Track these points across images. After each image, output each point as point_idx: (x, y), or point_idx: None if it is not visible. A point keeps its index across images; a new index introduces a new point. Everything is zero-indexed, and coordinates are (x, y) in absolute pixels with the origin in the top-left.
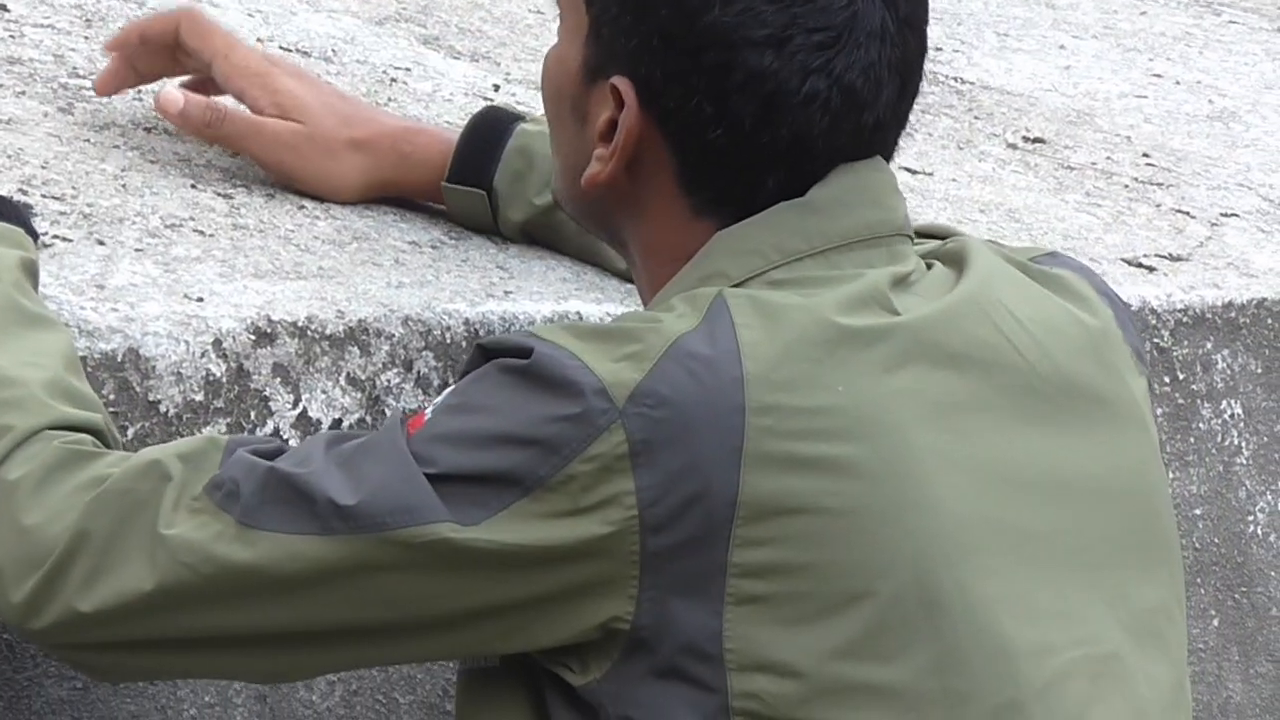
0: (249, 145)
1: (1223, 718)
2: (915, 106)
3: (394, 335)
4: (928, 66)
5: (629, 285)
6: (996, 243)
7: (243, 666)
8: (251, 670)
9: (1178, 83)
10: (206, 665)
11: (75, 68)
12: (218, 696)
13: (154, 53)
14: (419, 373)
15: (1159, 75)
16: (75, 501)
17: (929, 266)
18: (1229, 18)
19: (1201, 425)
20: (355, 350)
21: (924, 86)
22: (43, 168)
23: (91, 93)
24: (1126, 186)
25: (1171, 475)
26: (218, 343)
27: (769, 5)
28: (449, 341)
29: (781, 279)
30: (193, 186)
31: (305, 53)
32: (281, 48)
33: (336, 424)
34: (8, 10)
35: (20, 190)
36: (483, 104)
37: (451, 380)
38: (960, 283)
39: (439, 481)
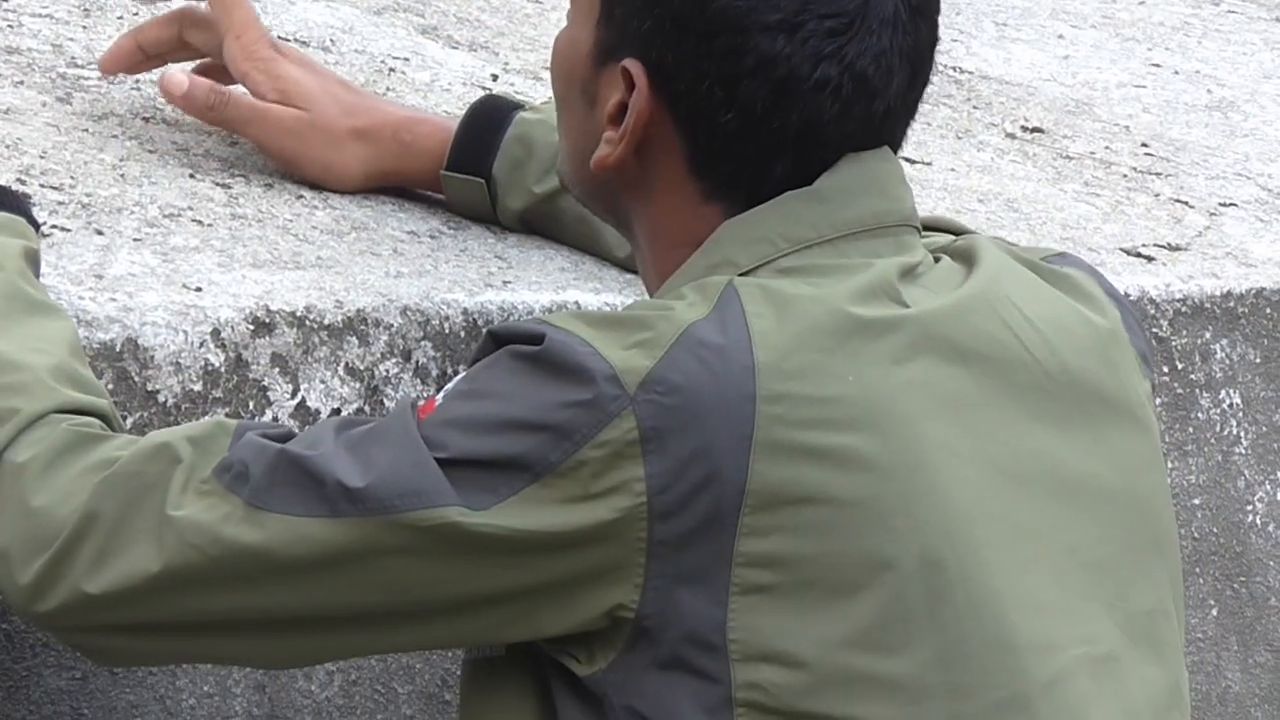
0: (251, 130)
1: (1221, 707)
2: None
3: (392, 325)
4: None
5: (628, 275)
6: (1006, 241)
7: (248, 651)
8: (257, 655)
9: (1176, 72)
10: (212, 649)
11: (73, 57)
12: (216, 686)
13: (162, 28)
14: (417, 362)
15: (1158, 65)
16: (83, 483)
17: (937, 260)
18: (1227, 7)
19: (1200, 415)
20: (354, 340)
21: None
22: (41, 157)
23: (90, 82)
24: (1125, 176)
25: (1170, 465)
26: (216, 332)
27: None
28: (447, 331)
29: (789, 267)
30: (191, 176)
31: (304, 42)
32: (280, 37)
33: (335, 414)
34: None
35: (19, 180)
36: (481, 94)
37: (450, 370)
38: (970, 278)
39: (449, 466)
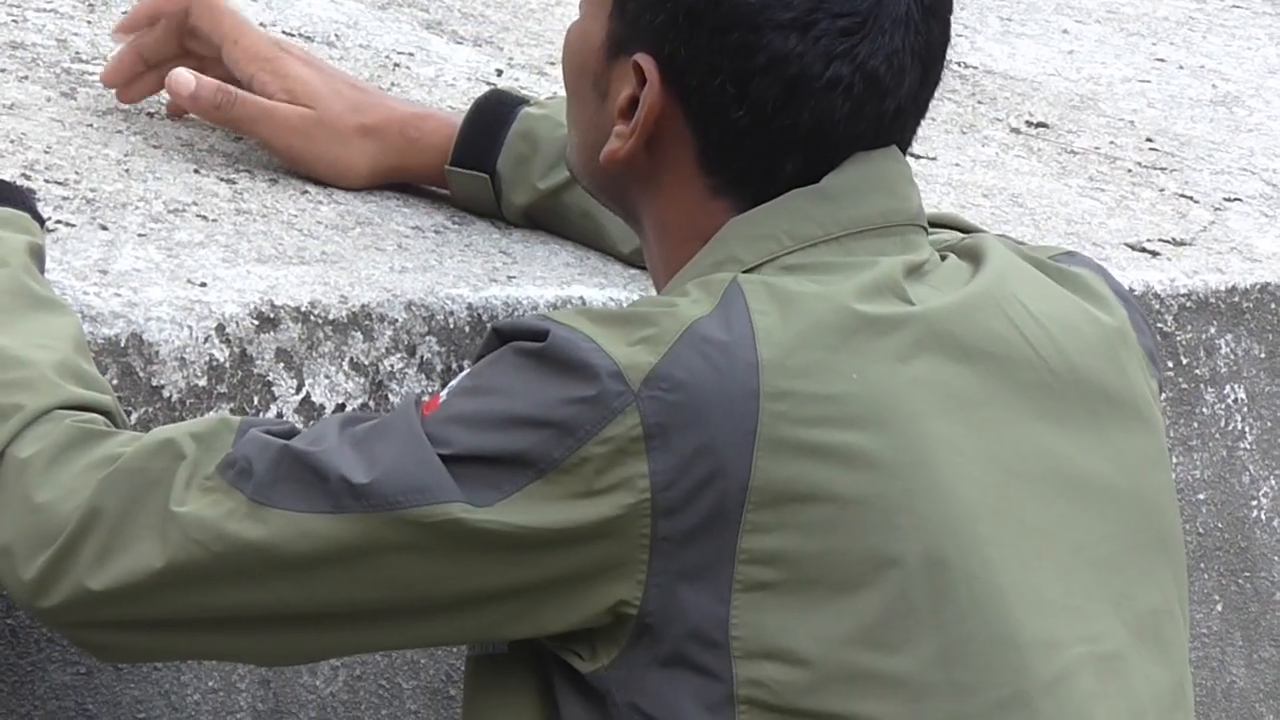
0: (259, 129)
1: (1226, 703)
2: None
3: (397, 320)
4: None
5: (632, 270)
6: (1014, 240)
7: (251, 647)
8: (260, 651)
9: (1181, 67)
10: (214, 646)
11: (78, 52)
12: (221, 681)
13: (163, 38)
14: (422, 358)
15: (1162, 60)
16: (87, 479)
17: (943, 258)
18: (1232, 2)
19: (1205, 410)
20: (358, 335)
21: None
22: (46, 153)
23: (94, 77)
24: (1130, 171)
25: (1175, 460)
26: (221, 328)
27: None
28: (452, 326)
29: (795, 264)
30: (196, 171)
31: (308, 37)
32: (284, 32)
33: (340, 409)
34: None
35: (23, 175)
36: (486, 89)
37: (455, 365)
38: (976, 276)
39: (453, 462)
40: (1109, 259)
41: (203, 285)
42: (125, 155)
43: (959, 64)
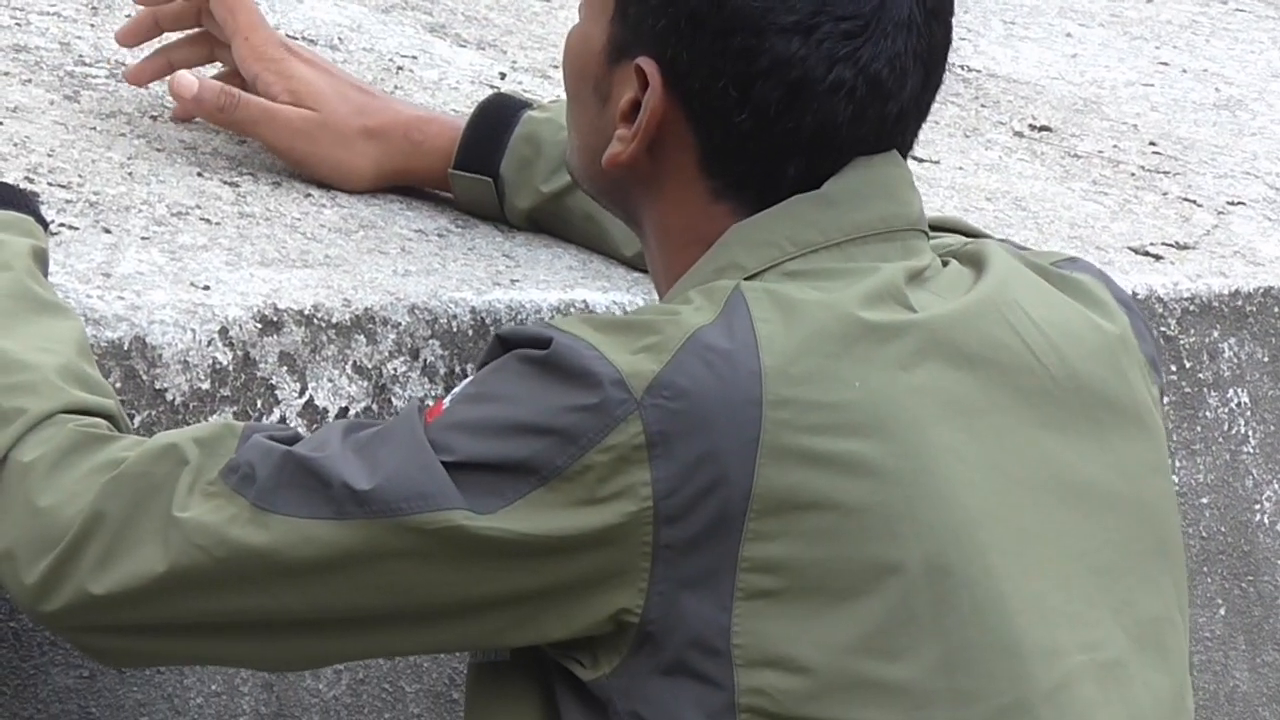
0: (262, 131)
1: (1229, 706)
2: None
3: (400, 323)
4: None
5: (635, 273)
6: (1016, 244)
7: (253, 653)
8: (261, 657)
9: (1184, 71)
10: (216, 651)
11: (81, 55)
12: (224, 685)
13: (181, 10)
14: (425, 361)
15: (1166, 63)
16: (90, 484)
17: (945, 264)
18: (1235, 5)
19: (1208, 414)
20: (362, 339)
21: None
22: (49, 156)
23: (98, 80)
24: (1133, 175)
25: (1178, 464)
26: (224, 331)
27: None
28: (455, 330)
29: (796, 270)
30: (199, 174)
31: (311, 40)
32: (288, 35)
33: (343, 412)
34: None
35: (27, 178)
36: (489, 92)
37: (458, 368)
38: (978, 284)
39: (456, 469)
40: (1112, 263)
41: (206, 288)
42: (129, 158)
43: (962, 67)
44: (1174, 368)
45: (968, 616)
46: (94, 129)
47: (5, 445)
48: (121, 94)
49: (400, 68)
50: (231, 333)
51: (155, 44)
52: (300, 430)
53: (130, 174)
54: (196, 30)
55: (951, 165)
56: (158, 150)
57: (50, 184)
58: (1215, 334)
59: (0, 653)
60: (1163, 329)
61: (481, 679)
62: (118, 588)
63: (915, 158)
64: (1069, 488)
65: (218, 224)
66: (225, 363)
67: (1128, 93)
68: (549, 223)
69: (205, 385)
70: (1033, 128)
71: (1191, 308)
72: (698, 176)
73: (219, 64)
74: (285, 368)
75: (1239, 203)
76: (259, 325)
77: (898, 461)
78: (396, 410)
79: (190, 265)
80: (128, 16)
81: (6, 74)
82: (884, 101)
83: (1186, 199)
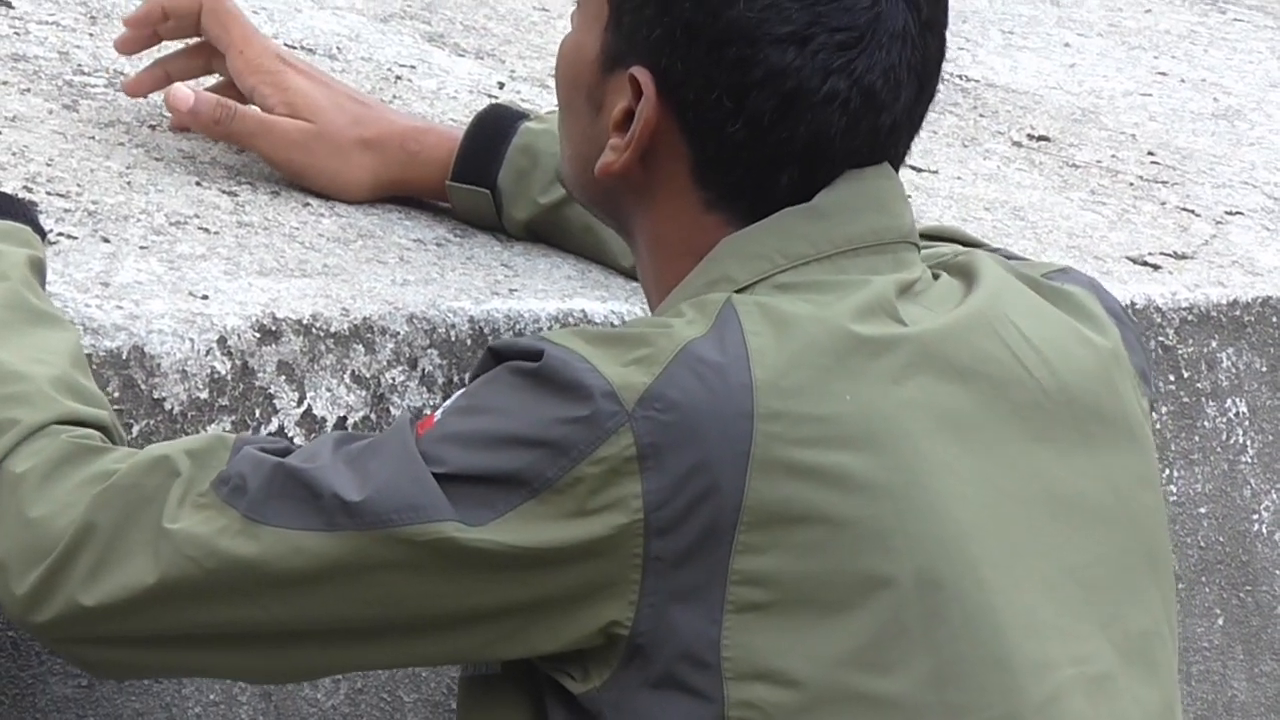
0: (259, 143)
1: (1228, 716)
2: None
3: (399, 333)
4: None
5: (634, 284)
6: (1009, 254)
7: (244, 664)
8: (252, 668)
9: (1183, 80)
10: (207, 662)
11: (80, 65)
12: (222, 694)
13: (188, 57)
14: (424, 370)
15: (1164, 73)
16: (82, 495)
17: (936, 277)
18: (1234, 15)
19: (1206, 424)
20: (360, 348)
21: None
22: (48, 165)
23: (96, 90)
24: (1131, 184)
25: (1176, 474)
26: (222, 340)
27: (793, 2)
28: (454, 339)
29: (788, 283)
30: (198, 184)
31: (310, 49)
32: (286, 44)
33: (341, 421)
34: (12, 7)
35: (25, 188)
36: (487, 101)
37: (456, 378)
38: (969, 297)
39: (447, 481)
40: (1110, 272)
41: (204, 298)
42: (127, 168)
43: (961, 77)
44: (1172, 377)
45: (959, 630)
46: (92, 138)
47: None
48: (120, 103)
49: (399, 77)
50: (230, 342)
51: (154, 54)
52: (296, 441)
53: (129, 183)
54: (195, 41)
55: (950, 175)
56: (156, 159)
57: (49, 193)
58: (1213, 344)
59: None
60: (1161, 339)
61: (472, 691)
62: (108, 599)
63: (914, 167)
64: (1060, 501)
65: (216, 233)
66: (223, 372)
67: (1126, 102)
68: (547, 233)
69: (203, 395)
70: (1031, 137)
71: (1190, 317)
72: (690, 186)
73: (217, 74)
74: (283, 377)
75: (1237, 212)
76: (257, 334)
77: (889, 475)
78: (394, 420)
79: (189, 274)
80: (143, 5)
81: (5, 83)
82: (877, 113)
83: (1185, 209)
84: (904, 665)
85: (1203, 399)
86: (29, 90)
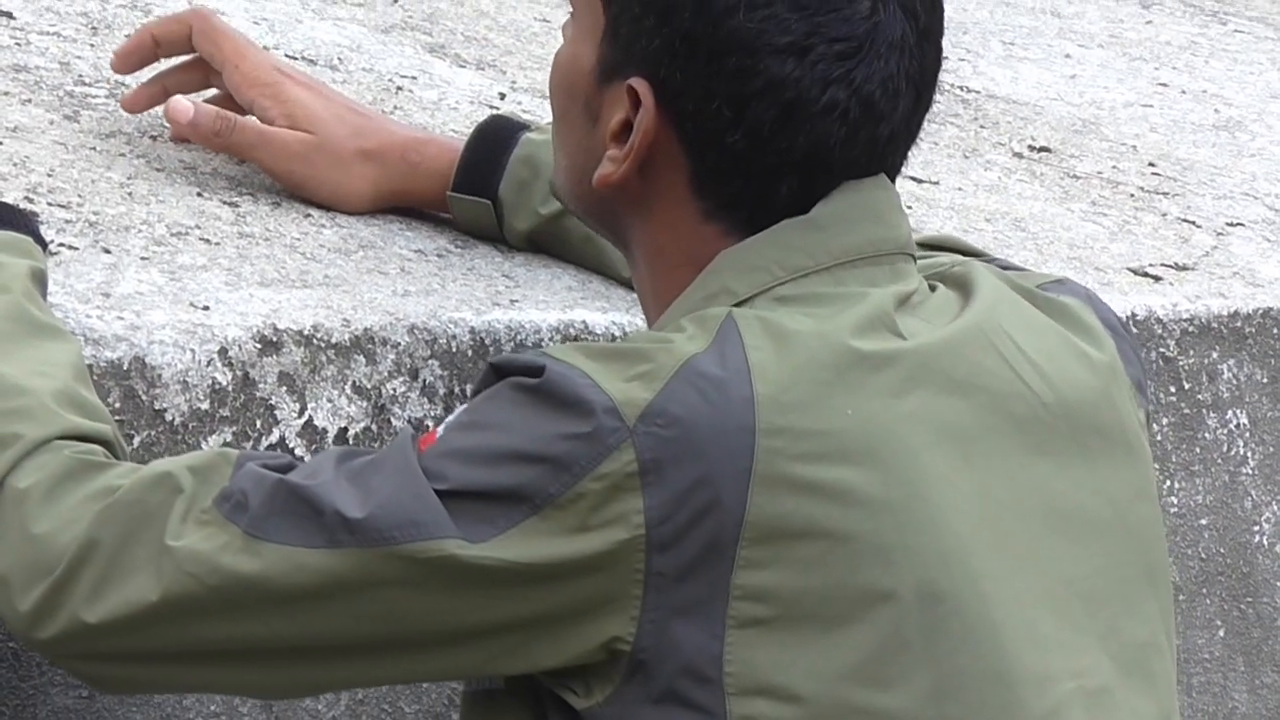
0: (259, 155)
1: None
2: None
3: (400, 344)
4: None
5: (635, 294)
6: (1005, 264)
7: (245, 681)
8: (254, 685)
9: (1184, 92)
10: (209, 679)
11: (81, 75)
12: (224, 706)
13: (186, 71)
14: (425, 381)
15: (1165, 84)
16: (85, 511)
17: (932, 288)
18: (1235, 27)
19: (1207, 435)
20: (361, 359)
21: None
22: (49, 175)
23: (98, 100)
24: (1132, 196)
25: (1177, 485)
26: (224, 351)
27: (792, 13)
28: (455, 350)
29: (787, 295)
30: (199, 195)
31: (311, 60)
32: (287, 55)
33: (342, 433)
34: (13, 18)
35: (26, 198)
36: (488, 112)
37: (457, 389)
38: (966, 310)
39: (449, 498)
40: (1111, 284)
41: (205, 309)
42: (128, 178)
43: (961, 88)
44: (1173, 389)
45: (959, 644)
46: (94, 149)
47: (1, 471)
48: (121, 114)
49: (400, 88)
50: (231, 353)
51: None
52: (297, 452)
53: (130, 194)
54: (191, 56)
55: (951, 186)
56: (157, 170)
57: (50, 204)
58: (1214, 355)
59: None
60: (1162, 350)
61: (475, 706)
62: (111, 616)
63: (915, 179)
64: (1059, 514)
65: (217, 244)
66: (225, 383)
67: (1127, 114)
68: (548, 244)
69: (205, 405)
70: (1032, 149)
71: (1190, 329)
72: (689, 197)
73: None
74: (284, 388)
75: (1238, 224)
76: (258, 345)
77: (889, 489)
78: (396, 430)
79: (190, 285)
80: (127, 37)
81: (6, 94)
82: (876, 123)
83: (1186, 220)
84: (904, 680)
85: (1203, 410)
86: (30, 101)
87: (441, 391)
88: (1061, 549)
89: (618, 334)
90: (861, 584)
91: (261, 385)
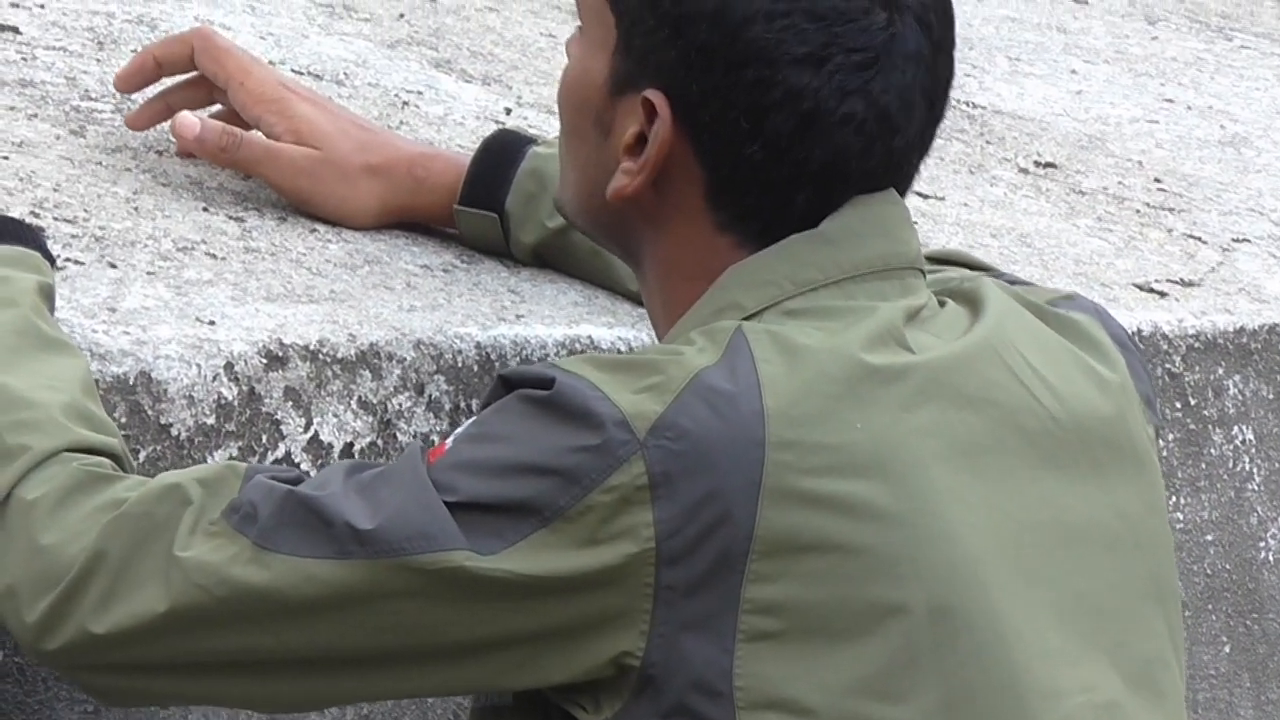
0: (265, 170)
1: None
2: None
3: (405, 359)
4: None
5: (641, 309)
6: (1013, 279)
7: (254, 693)
8: (263, 697)
9: (1189, 108)
10: (217, 691)
11: (87, 90)
12: (229, 718)
13: (190, 89)
14: (430, 396)
15: (1170, 100)
16: (93, 523)
17: (942, 303)
18: (1240, 43)
19: (1213, 451)
20: (367, 374)
21: None
22: (55, 190)
23: (104, 115)
24: (1138, 211)
25: (1183, 501)
26: (229, 366)
27: (810, 23)
28: (461, 365)
29: (796, 309)
30: (205, 209)
31: (317, 76)
32: (293, 70)
33: (348, 448)
34: (19, 33)
35: (32, 213)
36: (494, 127)
37: (463, 404)
38: (976, 325)
39: (458, 510)
40: (1117, 299)
41: (211, 323)
42: (134, 193)
43: (967, 104)
44: (1179, 404)
45: (969, 658)
46: (100, 164)
47: (9, 483)
48: (127, 129)
49: (406, 103)
50: (237, 368)
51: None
52: (304, 468)
53: (136, 209)
54: (195, 74)
55: (957, 202)
56: (163, 185)
57: (56, 219)
58: (1220, 371)
59: (5, 688)
60: (1167, 366)
61: None
62: (119, 627)
63: (921, 194)
64: (1069, 529)
65: (223, 259)
66: (230, 398)
67: (1132, 129)
68: (554, 258)
69: (210, 420)
70: (1038, 164)
71: (1196, 345)
72: (703, 209)
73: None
74: (290, 403)
75: (1244, 240)
76: (264, 360)
77: (900, 503)
78: (402, 446)
79: (195, 300)
80: (133, 52)
81: (13, 109)
82: (892, 134)
83: (1191, 236)
84: (915, 693)
85: (1209, 426)
86: (36, 116)
87: (447, 407)
88: (1071, 563)
89: (623, 349)
90: (872, 597)
91: (267, 400)
